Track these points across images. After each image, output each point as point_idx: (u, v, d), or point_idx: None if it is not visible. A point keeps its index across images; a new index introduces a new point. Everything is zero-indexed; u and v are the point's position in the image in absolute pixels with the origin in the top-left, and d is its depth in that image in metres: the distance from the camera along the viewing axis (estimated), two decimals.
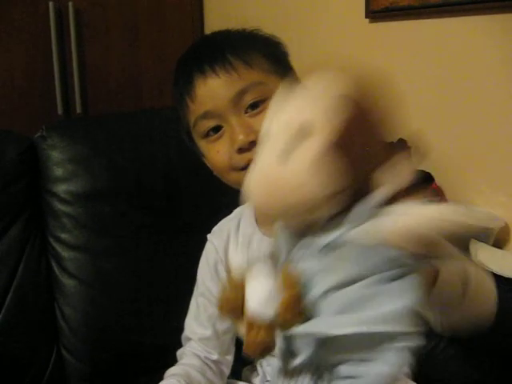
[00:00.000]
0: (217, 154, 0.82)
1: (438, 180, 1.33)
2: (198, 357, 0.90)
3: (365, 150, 0.47)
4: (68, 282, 1.08)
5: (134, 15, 2.12)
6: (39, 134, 1.10)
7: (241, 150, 0.79)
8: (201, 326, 0.92)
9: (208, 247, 0.95)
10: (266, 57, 0.83)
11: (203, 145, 0.85)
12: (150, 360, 1.05)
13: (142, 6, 2.12)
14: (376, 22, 1.47)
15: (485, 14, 1.20)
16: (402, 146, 1.60)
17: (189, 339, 0.93)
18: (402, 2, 1.35)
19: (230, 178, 0.84)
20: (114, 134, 1.14)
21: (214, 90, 0.80)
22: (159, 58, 2.18)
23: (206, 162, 0.89)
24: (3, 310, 1.04)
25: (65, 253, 1.08)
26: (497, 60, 1.21)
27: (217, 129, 0.82)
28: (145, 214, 1.11)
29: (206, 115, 0.81)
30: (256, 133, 0.78)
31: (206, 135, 0.83)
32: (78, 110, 2.02)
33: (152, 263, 1.10)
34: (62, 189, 1.08)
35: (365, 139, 0.47)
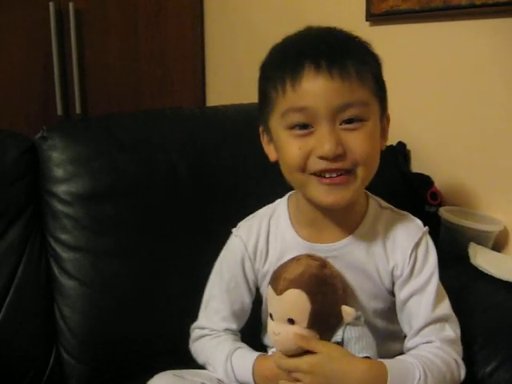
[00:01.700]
0: (297, 150, 0.79)
1: (438, 183, 1.34)
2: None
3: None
4: (68, 283, 1.07)
5: (134, 16, 2.12)
6: (40, 134, 1.10)
7: (322, 158, 0.78)
8: (224, 320, 0.94)
9: (236, 242, 0.94)
10: (374, 77, 0.81)
11: (284, 135, 0.81)
12: (150, 361, 1.05)
13: (142, 6, 2.13)
14: (377, 25, 1.47)
15: (486, 18, 1.21)
16: (401, 148, 1.60)
17: (207, 329, 0.95)
18: (403, 5, 1.36)
19: (295, 176, 0.83)
20: (115, 135, 1.13)
21: (322, 91, 0.77)
22: (159, 58, 2.19)
23: (271, 150, 0.87)
24: (2, 311, 1.04)
25: (65, 254, 1.08)
26: (497, 64, 1.21)
27: (304, 126, 0.79)
28: (145, 215, 1.11)
29: (302, 110, 0.78)
30: (342, 147, 0.77)
31: (291, 128, 0.80)
32: (78, 110, 2.03)
33: (152, 264, 1.10)
34: (62, 189, 1.08)
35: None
